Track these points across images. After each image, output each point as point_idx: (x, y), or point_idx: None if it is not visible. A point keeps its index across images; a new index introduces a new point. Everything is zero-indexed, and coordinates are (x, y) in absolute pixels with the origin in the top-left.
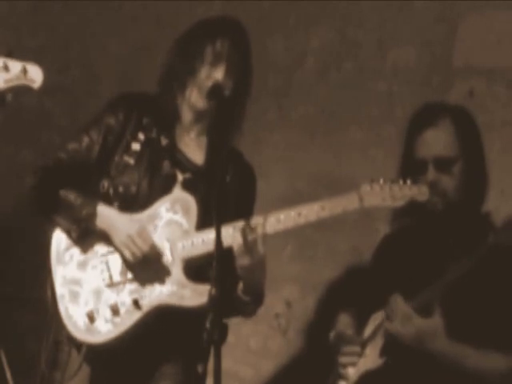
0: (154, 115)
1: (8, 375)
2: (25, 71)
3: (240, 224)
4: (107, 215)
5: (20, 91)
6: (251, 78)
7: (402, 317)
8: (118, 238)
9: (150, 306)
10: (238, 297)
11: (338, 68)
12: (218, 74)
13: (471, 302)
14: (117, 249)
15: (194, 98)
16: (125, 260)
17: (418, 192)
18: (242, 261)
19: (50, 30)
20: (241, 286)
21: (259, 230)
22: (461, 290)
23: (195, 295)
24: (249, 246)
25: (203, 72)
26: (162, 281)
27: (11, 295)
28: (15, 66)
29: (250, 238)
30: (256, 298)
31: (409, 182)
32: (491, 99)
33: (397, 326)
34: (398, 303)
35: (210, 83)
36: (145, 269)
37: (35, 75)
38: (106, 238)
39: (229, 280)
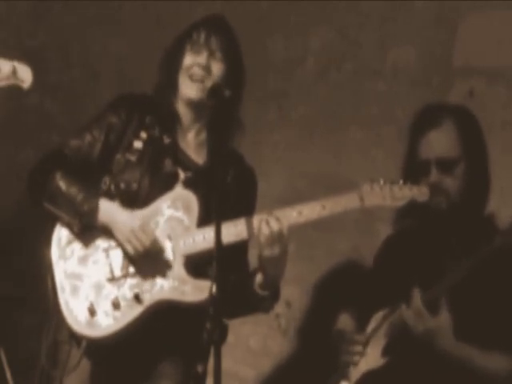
0: (156, 115)
1: (8, 375)
2: (15, 71)
3: (264, 215)
4: (109, 210)
5: (14, 91)
6: (242, 63)
7: (415, 313)
8: (121, 232)
9: (151, 300)
10: (254, 292)
11: (338, 68)
12: (201, 59)
13: (477, 303)
14: (119, 243)
15: (185, 90)
16: (126, 254)
17: (419, 192)
18: (269, 251)
19: (50, 30)
20: (259, 280)
21: (284, 220)
22: (467, 291)
23: (196, 291)
24: (276, 236)
25: (187, 62)
26: (163, 275)
27: (11, 295)
28: (5, 65)
29: (277, 227)
30: (274, 293)
31: (409, 182)
32: (491, 99)
33: (410, 317)
34: (415, 298)
35: (195, 69)
36: (146, 263)
37: (25, 75)
38: (107, 232)
39: (243, 276)
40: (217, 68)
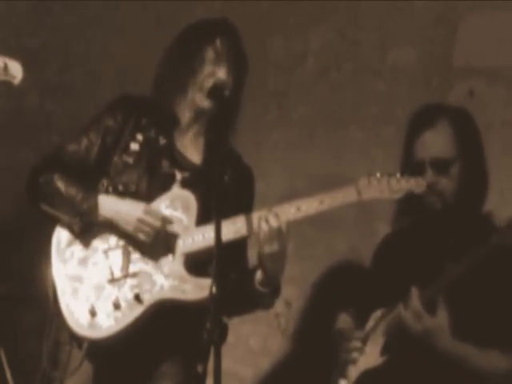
0: (153, 116)
1: (8, 375)
2: (5, 67)
3: (263, 212)
4: (110, 204)
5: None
6: (247, 75)
7: (413, 312)
8: (128, 223)
9: (152, 300)
10: (254, 289)
11: (338, 68)
12: (221, 72)
13: (475, 302)
14: (128, 236)
15: (198, 98)
16: (139, 245)
17: (416, 184)
18: (269, 248)
19: (50, 30)
20: (259, 277)
21: (283, 216)
22: (465, 290)
23: (196, 289)
24: (275, 233)
25: (205, 71)
26: (173, 252)
27: (11, 295)
28: None
29: (275, 224)
30: (274, 289)
31: (406, 175)
32: (491, 99)
33: (409, 317)
34: (413, 298)
35: (212, 82)
36: (159, 246)
37: (15, 71)
38: (111, 227)
39: (243, 273)
40: (229, 81)
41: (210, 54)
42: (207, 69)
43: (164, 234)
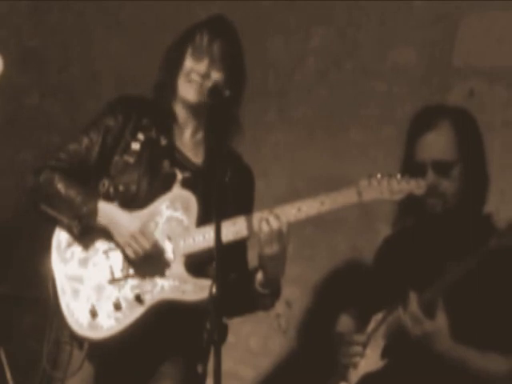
0: (153, 116)
1: (8, 375)
2: None
3: (263, 213)
4: (108, 212)
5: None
6: (243, 70)
7: (411, 316)
8: (121, 236)
9: (152, 300)
10: (255, 290)
11: (338, 68)
12: (202, 66)
13: (475, 304)
14: (119, 246)
15: (183, 92)
16: (127, 257)
17: (416, 186)
18: (269, 249)
19: (50, 30)
20: (259, 278)
21: (284, 218)
22: (465, 292)
23: (197, 290)
24: (276, 234)
25: (187, 65)
26: (163, 276)
27: (11, 295)
28: None
29: (276, 225)
30: (274, 290)
31: (406, 176)
32: (491, 99)
33: (407, 321)
34: (411, 301)
35: (194, 76)
36: (146, 265)
37: None
38: (106, 234)
39: (243, 274)
40: (216, 76)
41: (189, 49)
42: (188, 63)
43: (156, 260)
